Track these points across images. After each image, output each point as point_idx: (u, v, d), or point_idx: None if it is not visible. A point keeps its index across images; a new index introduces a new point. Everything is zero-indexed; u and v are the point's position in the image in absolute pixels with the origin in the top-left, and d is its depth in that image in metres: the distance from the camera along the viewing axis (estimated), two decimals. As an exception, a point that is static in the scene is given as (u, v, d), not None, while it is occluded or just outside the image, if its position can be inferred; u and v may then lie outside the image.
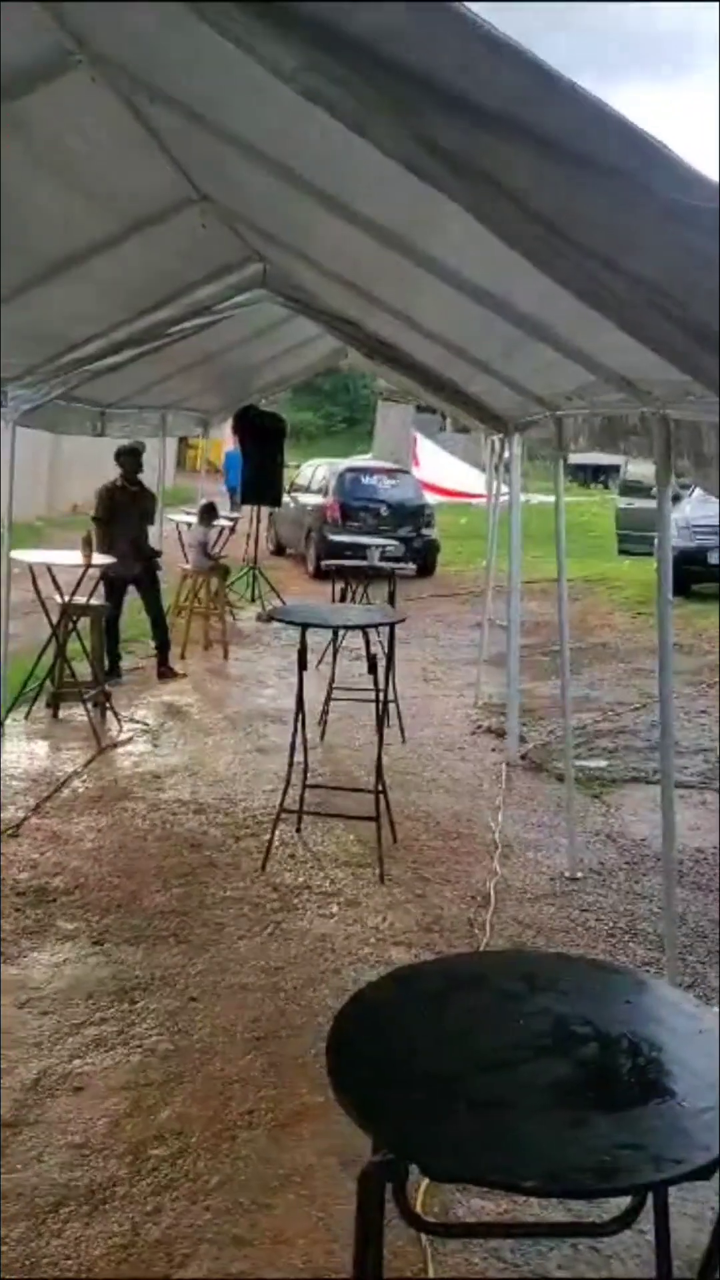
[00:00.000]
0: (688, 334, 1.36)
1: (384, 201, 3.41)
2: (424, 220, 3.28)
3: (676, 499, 14.57)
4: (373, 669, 5.65)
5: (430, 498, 18.24)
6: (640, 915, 4.87)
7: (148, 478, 8.95)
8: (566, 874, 5.34)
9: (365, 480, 16.72)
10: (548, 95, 1.15)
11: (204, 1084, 3.56)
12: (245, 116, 3.36)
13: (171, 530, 11.56)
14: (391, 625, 6.40)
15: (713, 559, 13.77)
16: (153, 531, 9.21)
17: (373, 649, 5.82)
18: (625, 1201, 1.90)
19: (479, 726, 8.16)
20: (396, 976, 2.10)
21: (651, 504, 5.11)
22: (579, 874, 5.34)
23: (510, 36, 1.13)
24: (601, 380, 3.63)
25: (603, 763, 7.24)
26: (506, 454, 7.47)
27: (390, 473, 17.45)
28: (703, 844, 5.79)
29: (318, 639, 8.29)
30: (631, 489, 17.28)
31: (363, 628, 5.87)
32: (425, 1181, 2.96)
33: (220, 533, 11.16)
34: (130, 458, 8.49)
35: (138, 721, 7.74)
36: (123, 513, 8.47)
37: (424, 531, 16.50)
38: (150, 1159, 3.19)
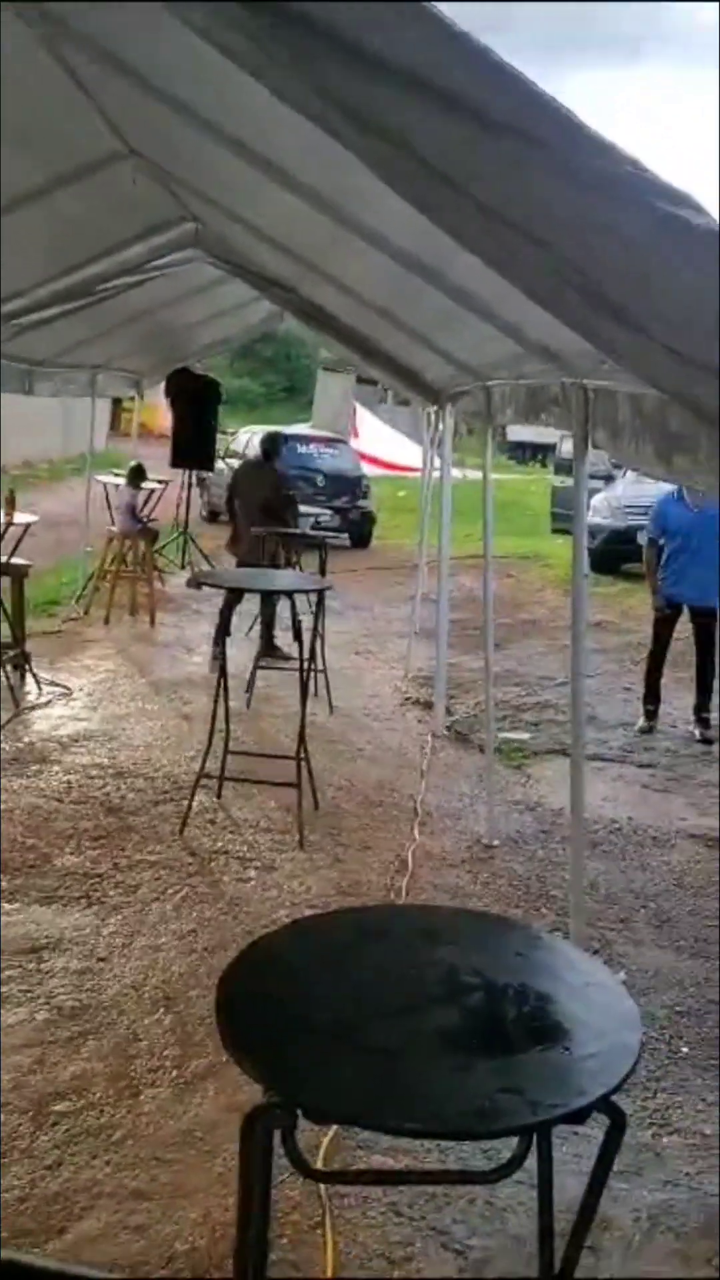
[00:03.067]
0: (588, 301, 1.36)
1: (318, 167, 3.38)
2: (358, 187, 3.25)
3: (609, 479, 14.74)
4: (298, 636, 5.64)
5: (368, 469, 18.22)
6: (552, 882, 4.95)
7: (81, 438, 8.84)
8: (484, 841, 5.40)
9: (302, 449, 16.62)
10: (453, 53, 1.15)
11: (110, 1042, 3.56)
12: (177, 75, 3.31)
13: (100, 491, 11.42)
14: (320, 592, 6.41)
15: (642, 539, 13.93)
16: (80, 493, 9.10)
17: (300, 618, 5.82)
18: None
19: (407, 698, 8.20)
20: (294, 926, 2.11)
21: (588, 483, 5.17)
22: (496, 842, 5.41)
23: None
24: (527, 351, 3.65)
25: (525, 735, 7.32)
26: (440, 427, 7.48)
27: (328, 442, 17.38)
28: (616, 815, 5.90)
29: (248, 606, 8.27)
30: (567, 467, 17.41)
31: (289, 593, 5.86)
32: (327, 1138, 3.00)
33: (149, 495, 11.03)
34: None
35: (58, 685, 7.65)
36: None
37: (360, 503, 16.46)
38: (52, 1115, 3.18)
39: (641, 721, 7.59)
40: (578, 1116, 1.57)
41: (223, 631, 6.16)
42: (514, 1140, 2.00)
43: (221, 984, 1.80)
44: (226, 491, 9.25)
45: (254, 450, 16.73)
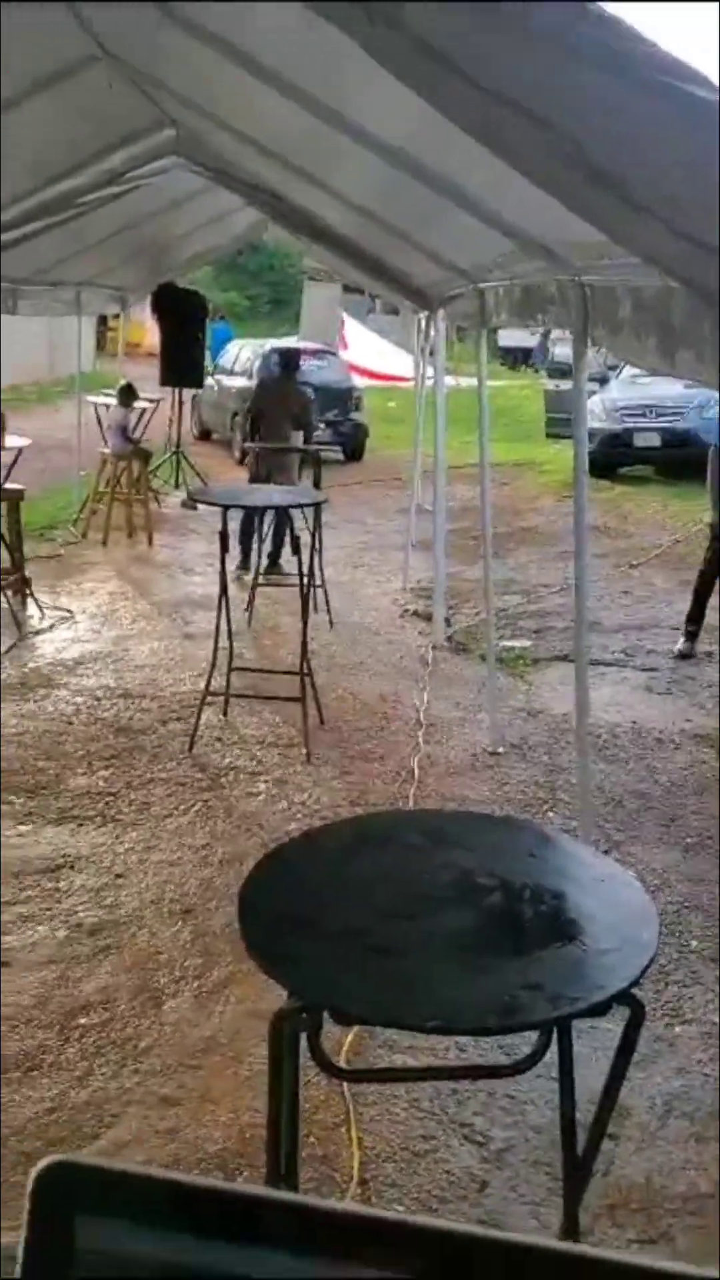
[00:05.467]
0: (589, 179, 1.32)
1: (303, 62, 3.26)
2: (345, 83, 3.15)
3: (604, 381, 14.54)
4: (296, 550, 5.62)
5: (359, 380, 17.95)
6: (559, 786, 5.00)
7: (67, 360, 8.71)
8: (489, 749, 5.44)
9: (291, 363, 16.35)
10: None
11: (131, 955, 3.63)
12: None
13: (91, 413, 11.27)
14: (316, 506, 6.36)
15: (639, 441, 13.82)
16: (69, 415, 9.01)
17: (298, 532, 5.79)
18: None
19: (406, 610, 8.19)
20: (309, 835, 2.14)
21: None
22: (501, 749, 5.45)
23: None
24: (520, 248, 3.56)
25: (526, 643, 7.33)
26: (433, 334, 7.36)
27: (317, 354, 17.08)
28: (620, 719, 5.93)
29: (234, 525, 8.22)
30: (560, 371, 17.18)
31: (285, 508, 5.82)
32: (348, 1039, 3.08)
33: (141, 415, 10.89)
34: None
35: (59, 609, 7.64)
36: None
37: (352, 415, 16.25)
38: (78, 1028, 3.26)
39: (681, 643, 7.08)
40: (598, 1010, 1.61)
41: (246, 542, 6.06)
42: (533, 1036, 2.05)
43: (242, 894, 1.83)
44: (249, 411, 9.10)
45: (241, 366, 16.53)
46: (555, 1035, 1.87)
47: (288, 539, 6.14)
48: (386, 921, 1.79)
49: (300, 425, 8.44)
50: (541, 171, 1.35)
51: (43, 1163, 0.41)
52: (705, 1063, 3.22)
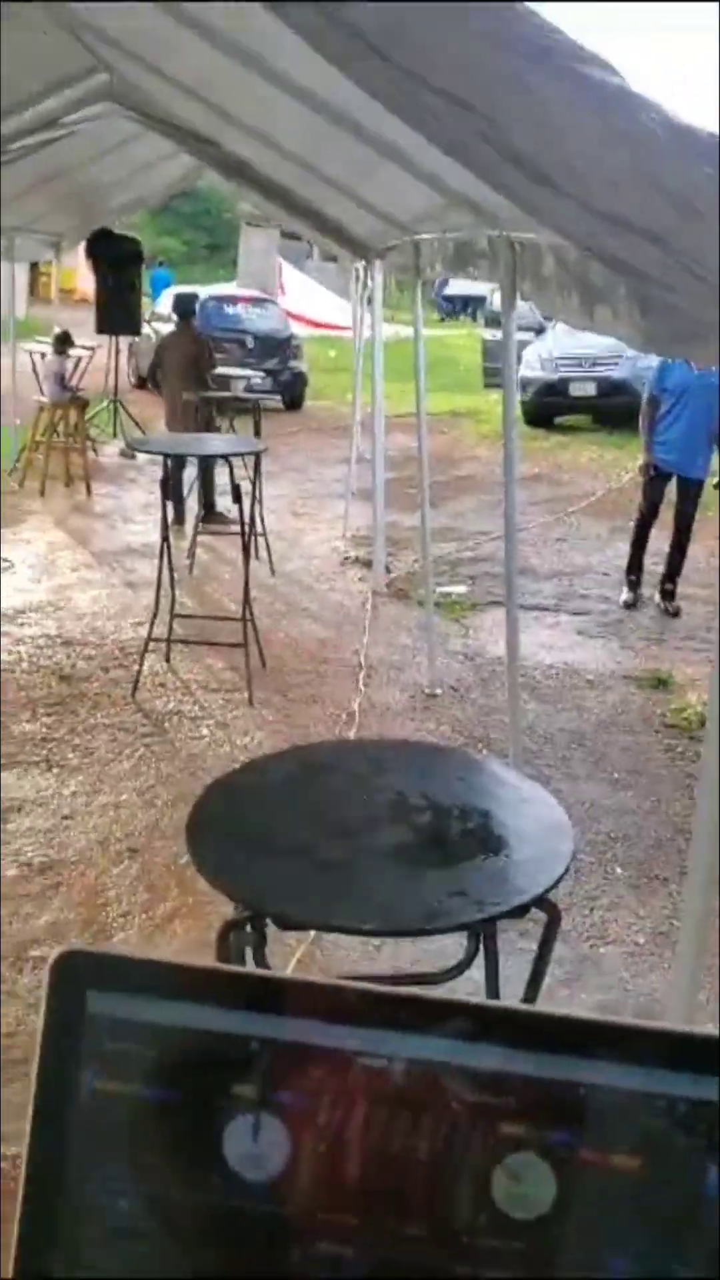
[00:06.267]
0: (505, 157, 1.44)
1: (238, 18, 3.30)
2: (279, 41, 3.19)
3: (540, 331, 14.65)
4: (237, 499, 5.69)
5: (298, 329, 17.87)
6: (493, 725, 5.19)
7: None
8: (427, 691, 5.62)
9: (229, 310, 16.25)
10: None
11: (80, 892, 3.76)
12: None
13: (26, 361, 11.16)
14: (256, 455, 6.43)
15: (574, 391, 13.99)
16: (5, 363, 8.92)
17: (238, 480, 5.86)
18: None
19: (346, 558, 8.32)
20: (254, 764, 2.27)
21: (518, 336, 5.17)
22: (438, 691, 5.62)
23: None
24: (450, 203, 3.66)
25: (463, 589, 7.50)
26: (371, 283, 7.41)
27: (255, 301, 16.98)
28: (553, 660, 6.13)
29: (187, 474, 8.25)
30: (497, 320, 17.22)
31: (225, 456, 5.89)
32: (292, 962, 3.24)
33: (77, 363, 10.81)
34: None
35: (-1, 558, 7.65)
36: None
37: (291, 364, 16.18)
38: (30, 959, 3.39)
39: (625, 593, 7.26)
40: (518, 912, 1.77)
41: (177, 495, 6.17)
42: (464, 946, 2.22)
43: (190, 819, 1.96)
44: (150, 366, 9.12)
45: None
46: (481, 940, 2.04)
47: (229, 488, 6.20)
48: (326, 840, 1.94)
49: (192, 375, 8.41)
50: (460, 149, 1.46)
51: (57, 950, 0.54)
52: (628, 980, 3.44)
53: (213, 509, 8.29)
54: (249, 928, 1.90)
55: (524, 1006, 0.59)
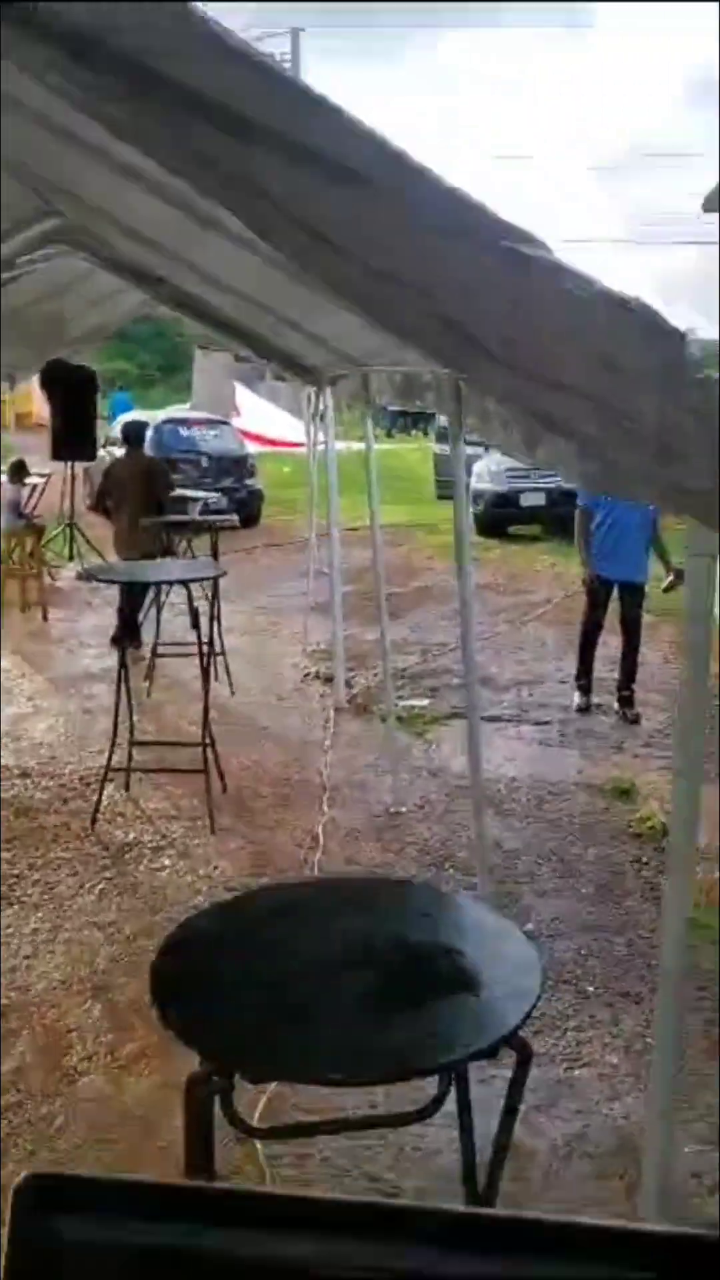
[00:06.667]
0: (444, 330, 1.51)
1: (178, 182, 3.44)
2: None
3: (488, 445, 15.04)
4: (195, 623, 5.73)
5: (252, 447, 18.21)
6: (459, 843, 5.17)
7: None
8: (392, 810, 5.59)
9: (184, 432, 16.57)
10: (308, 110, 1.28)
11: (43, 1035, 3.66)
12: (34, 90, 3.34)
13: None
14: (215, 579, 6.49)
15: (525, 501, 14.32)
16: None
17: (195, 603, 5.90)
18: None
19: (307, 674, 8.35)
20: (219, 906, 2.25)
21: (468, 450, 5.33)
22: (403, 809, 5.60)
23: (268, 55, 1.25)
24: (400, 343, 3.79)
25: (425, 702, 7.54)
26: (322, 405, 7.61)
27: (210, 423, 17.33)
28: (517, 772, 6.15)
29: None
30: (446, 435, 17.65)
31: (184, 582, 5.93)
32: (261, 1103, 3.16)
33: (33, 490, 10.93)
34: None
35: (-43, 688, 7.60)
36: None
37: (247, 482, 16.48)
38: (-7, 1110, 3.28)
39: (577, 698, 7.35)
40: (487, 1054, 1.75)
41: (132, 622, 6.19)
42: (435, 1087, 2.18)
43: (154, 965, 1.93)
44: (98, 491, 9.20)
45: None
46: (454, 1081, 2.01)
47: (187, 612, 6.26)
48: (293, 986, 1.92)
49: (153, 498, 8.49)
50: (396, 323, 1.54)
51: (21, 1176, 0.54)
52: (603, 1103, 3.38)
53: (134, 631, 8.18)
54: (215, 1077, 1.86)
55: (486, 1211, 0.59)
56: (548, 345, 1.44)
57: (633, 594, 7.15)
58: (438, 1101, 2.05)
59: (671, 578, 6.91)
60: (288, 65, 35.34)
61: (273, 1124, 3.12)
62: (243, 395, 23.92)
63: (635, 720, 7.10)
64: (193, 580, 6.00)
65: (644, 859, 5.03)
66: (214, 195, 1.43)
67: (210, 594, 6.89)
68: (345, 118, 1.34)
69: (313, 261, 1.42)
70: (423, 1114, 2.07)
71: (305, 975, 1.95)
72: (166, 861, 4.99)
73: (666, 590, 6.92)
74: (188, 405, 21.85)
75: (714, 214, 16.01)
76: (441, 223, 1.37)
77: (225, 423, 18.21)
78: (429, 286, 1.41)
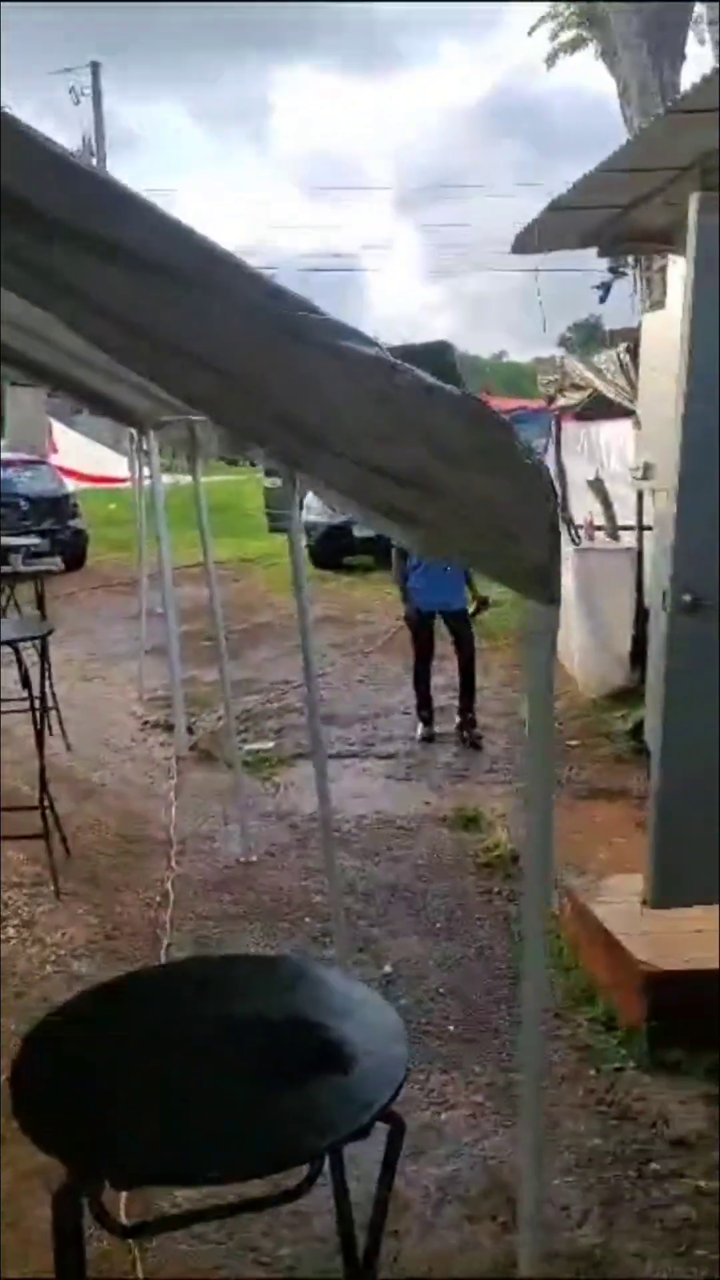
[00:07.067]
0: (272, 419, 1.52)
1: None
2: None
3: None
4: (26, 683, 5.55)
5: (72, 485, 17.85)
6: (312, 889, 5.15)
7: None
8: (242, 859, 5.53)
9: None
10: (119, 208, 1.27)
11: None
12: None
13: None
14: (43, 638, 6.29)
15: (358, 532, 14.48)
16: None
17: (23, 661, 5.71)
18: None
19: (146, 722, 8.20)
20: (77, 999, 2.18)
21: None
22: (254, 858, 5.55)
23: (78, 156, 1.23)
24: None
25: (269, 744, 7.51)
26: (145, 445, 7.51)
27: (26, 464, 16.89)
28: (365, 810, 6.18)
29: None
30: (275, 469, 17.71)
31: (11, 643, 5.72)
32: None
33: None
34: None
35: None
36: None
37: (70, 523, 16.10)
38: None
39: (420, 729, 7.52)
40: (361, 1133, 1.74)
41: None
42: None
43: (11, 1069, 1.85)
44: None
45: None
46: (328, 1157, 1.99)
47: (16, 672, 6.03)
48: (157, 1080, 1.87)
49: None
50: (233, 420, 1.54)
51: None
52: (472, 1144, 3.41)
53: None
54: (84, 1180, 1.79)
55: None
56: (381, 436, 1.46)
57: (455, 617, 7.48)
58: (311, 1180, 2.03)
59: (476, 604, 7.55)
60: (87, 96, 35.05)
61: (144, 1210, 3.04)
62: (59, 432, 23.45)
63: (478, 744, 7.28)
64: (18, 641, 5.78)
65: (494, 889, 5.13)
66: (20, 291, 1.40)
67: (39, 650, 6.68)
68: (169, 220, 1.33)
69: (131, 357, 1.41)
70: (298, 1193, 2.04)
71: (169, 1068, 1.90)
72: (11, 932, 4.80)
73: (474, 615, 7.51)
74: (2, 444, 21.27)
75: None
76: (269, 321, 1.38)
77: (43, 462, 17.81)
78: (257, 383, 1.41)
